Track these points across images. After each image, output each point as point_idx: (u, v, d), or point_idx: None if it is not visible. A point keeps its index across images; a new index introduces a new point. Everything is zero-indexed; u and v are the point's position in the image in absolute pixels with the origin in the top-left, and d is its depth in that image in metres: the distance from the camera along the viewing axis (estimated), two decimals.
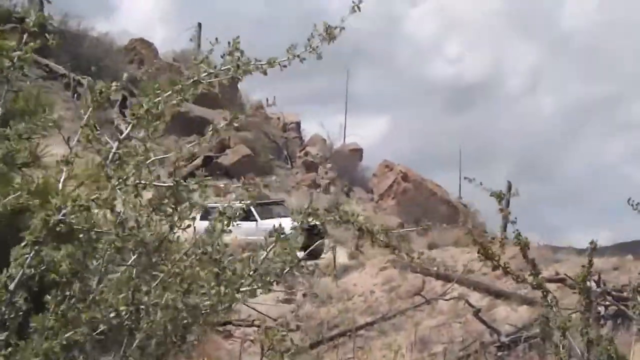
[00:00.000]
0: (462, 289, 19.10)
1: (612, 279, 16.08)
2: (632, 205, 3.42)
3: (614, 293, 14.31)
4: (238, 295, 3.03)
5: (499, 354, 13.85)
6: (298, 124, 45.29)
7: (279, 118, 44.48)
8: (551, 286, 14.17)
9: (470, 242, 3.51)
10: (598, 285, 14.71)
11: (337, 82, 58.47)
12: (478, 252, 3.48)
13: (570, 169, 66.26)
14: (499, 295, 18.02)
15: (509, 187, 23.74)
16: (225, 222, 3.18)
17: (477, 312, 15.40)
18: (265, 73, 3.19)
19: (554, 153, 72.79)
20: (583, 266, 3.37)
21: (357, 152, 44.25)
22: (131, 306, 2.84)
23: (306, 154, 40.90)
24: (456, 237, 23.58)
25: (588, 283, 12.26)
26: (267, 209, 28.09)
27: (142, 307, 2.89)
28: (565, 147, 71.99)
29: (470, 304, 16.66)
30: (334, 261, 22.96)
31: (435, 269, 20.47)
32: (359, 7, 3.10)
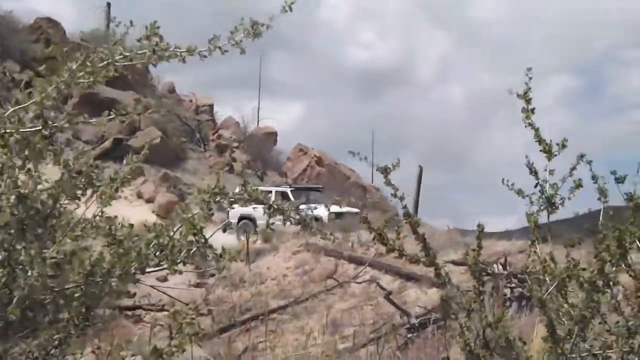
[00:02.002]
0: (374, 272, 19.31)
1: (519, 262, 16.52)
2: (507, 185, 3.43)
3: (519, 275, 14.68)
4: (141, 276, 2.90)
5: (409, 335, 14.00)
6: (211, 106, 44.75)
7: (191, 100, 43.84)
8: (460, 269, 14.44)
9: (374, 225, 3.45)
10: (504, 268, 15.06)
11: (251, 66, 58.15)
12: (373, 239, 3.44)
13: (480, 156, 67.92)
14: (410, 277, 18.29)
15: (420, 172, 24.18)
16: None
17: (388, 295, 15.54)
18: (184, 61, 3.05)
19: (465, 141, 74.42)
20: (473, 249, 3.35)
21: (272, 136, 44.11)
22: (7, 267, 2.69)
23: (219, 137, 40.46)
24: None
25: (496, 267, 12.49)
26: (303, 194, 27.40)
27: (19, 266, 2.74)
28: (475, 135, 73.70)
29: (381, 287, 16.83)
30: (247, 245, 22.83)
31: (351, 246, 20.64)
32: (290, 8, 3.01)
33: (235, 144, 39.62)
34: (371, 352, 13.97)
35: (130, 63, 3.05)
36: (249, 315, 18.37)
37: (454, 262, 14.39)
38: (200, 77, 74.67)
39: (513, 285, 14.44)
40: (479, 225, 3.52)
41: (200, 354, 12.37)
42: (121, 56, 3.01)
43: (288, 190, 26.41)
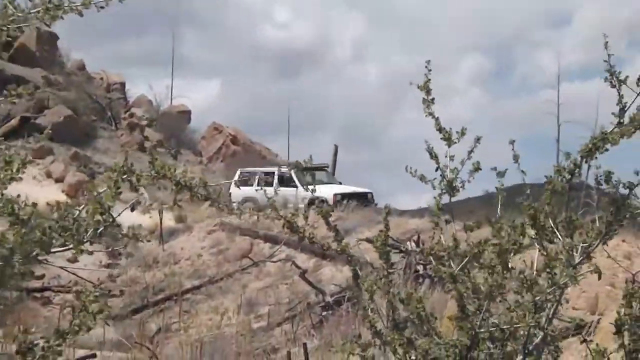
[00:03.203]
0: (289, 250, 19.33)
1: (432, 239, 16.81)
2: (410, 172, 3.52)
3: (432, 252, 14.94)
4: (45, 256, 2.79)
5: (324, 313, 14.11)
6: (123, 84, 43.66)
7: (102, 78, 42.66)
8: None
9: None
10: (417, 245, 15.28)
11: (164, 43, 57.06)
12: (283, 226, 3.47)
13: (395, 135, 68.70)
14: (325, 256, 18.38)
15: (335, 151, 24.28)
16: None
17: (303, 274, 15.61)
18: (81, 14, 2.91)
19: (380, 120, 75.21)
20: (381, 230, 3.40)
21: (185, 114, 43.42)
22: None
23: (131, 115, 39.59)
24: (285, 200, 23.81)
25: (409, 244, 12.65)
26: (308, 175, 26.02)
27: None
28: (390, 114, 74.56)
29: (297, 266, 16.88)
30: (160, 225, 22.50)
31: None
32: None
33: (148, 122, 38.87)
34: (286, 330, 14.05)
35: (25, 25, 2.89)
36: (162, 296, 18.16)
37: (368, 240, 14.51)
38: (111, 54, 72.81)
39: (426, 262, 14.67)
40: (385, 207, 3.62)
41: (111, 335, 12.16)
42: (12, 18, 2.85)
43: (292, 172, 25.61)
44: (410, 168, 3.54)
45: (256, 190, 23.56)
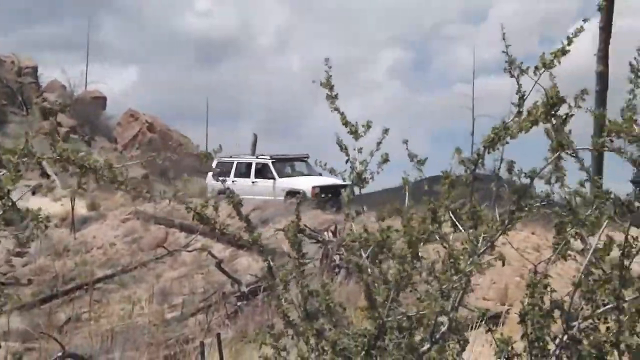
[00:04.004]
0: (206, 240, 19.15)
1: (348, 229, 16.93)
2: (320, 165, 3.56)
3: (344, 244, 15.05)
4: None
5: (239, 303, 14.03)
6: (35, 69, 42.29)
7: (13, 62, 41.19)
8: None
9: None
10: (334, 235, 15.38)
11: (78, 28, 55.45)
12: (193, 218, 3.42)
13: (315, 126, 68.77)
14: (241, 246, 18.29)
15: (255, 140, 24.15)
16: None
17: (219, 263, 15.47)
18: None
19: (301, 111, 75.30)
20: (292, 220, 3.40)
21: (100, 100, 42.44)
22: None
23: (43, 100, 38.42)
24: (202, 188, 23.57)
25: (326, 234, 12.69)
26: (288, 165, 24.69)
27: None
28: (311, 105, 74.57)
29: (212, 255, 16.73)
30: (72, 212, 21.94)
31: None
32: None
33: (61, 108, 37.79)
34: (200, 320, 13.91)
35: None
36: (73, 285, 17.72)
37: (281, 230, 14.50)
38: (24, 38, 70.46)
39: (342, 252, 14.78)
40: (299, 196, 3.59)
41: (17, 325, 11.79)
42: None
43: (269, 162, 23.72)
44: (320, 161, 3.61)
45: (233, 182, 23.04)
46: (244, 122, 73.36)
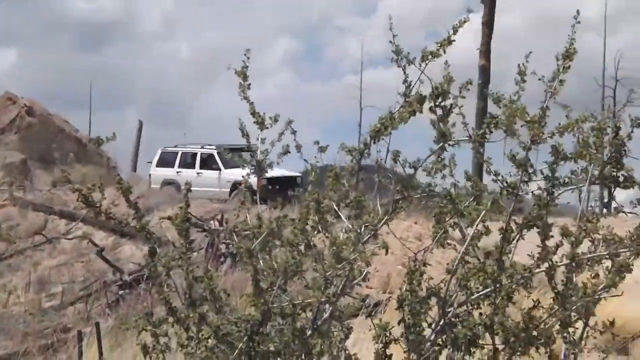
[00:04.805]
0: (87, 228, 18.64)
1: (235, 219, 16.90)
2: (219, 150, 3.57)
3: (235, 231, 15.03)
4: None
5: (121, 292, 13.75)
6: None
7: None
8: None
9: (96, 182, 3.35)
10: (221, 224, 15.34)
11: None
12: (77, 199, 3.35)
13: (204, 113, 67.71)
14: (124, 234, 17.93)
15: (140, 127, 23.65)
16: None
17: (100, 251, 15.09)
18: None
19: (189, 98, 73.87)
20: (180, 207, 3.40)
21: None
22: None
23: None
24: (83, 175, 22.86)
25: (213, 223, 12.63)
26: (235, 155, 22.15)
27: None
28: (200, 92, 73.40)
29: (94, 243, 16.32)
30: None
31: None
32: None
33: None
34: (80, 309, 13.54)
35: None
36: None
37: (169, 219, 14.29)
38: None
39: (228, 241, 14.74)
40: (186, 184, 3.59)
41: None
42: None
43: (215, 152, 22.44)
44: (222, 147, 3.57)
45: (177, 172, 22.11)
46: (131, 107, 71.62)
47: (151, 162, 23.90)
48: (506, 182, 3.06)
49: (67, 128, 39.08)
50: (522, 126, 3.05)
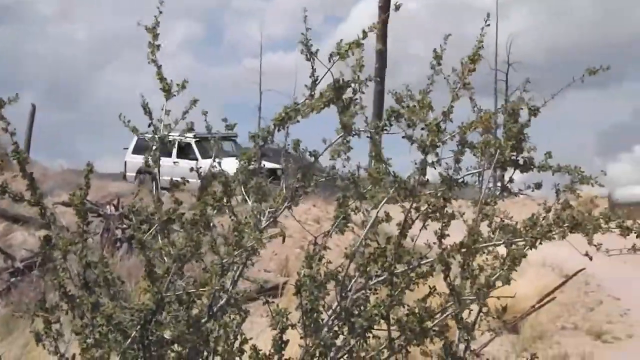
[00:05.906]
0: None
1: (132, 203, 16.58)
2: (123, 121, 3.45)
3: (131, 216, 14.74)
4: None
5: (12, 279, 13.28)
6: None
7: None
8: (71, 210, 14.09)
9: None
10: (117, 209, 15.01)
11: None
12: None
13: (102, 97, 65.71)
14: (16, 220, 17.32)
15: (33, 110, 22.90)
16: None
17: None
18: None
19: (86, 81, 71.54)
20: (80, 188, 3.27)
21: None
22: None
23: None
24: None
25: (109, 208, 12.33)
26: (213, 145, 20.49)
27: None
28: (98, 76, 71.18)
29: None
30: None
31: None
32: None
33: None
34: None
35: None
36: None
37: (64, 203, 13.88)
38: None
39: (124, 226, 14.44)
40: (88, 164, 3.45)
41: None
42: None
43: (192, 141, 21.72)
44: (124, 117, 3.45)
45: None
46: (23, 91, 68.38)
47: (127, 149, 23.02)
48: (400, 178, 3.04)
49: None
50: (422, 129, 3.03)
